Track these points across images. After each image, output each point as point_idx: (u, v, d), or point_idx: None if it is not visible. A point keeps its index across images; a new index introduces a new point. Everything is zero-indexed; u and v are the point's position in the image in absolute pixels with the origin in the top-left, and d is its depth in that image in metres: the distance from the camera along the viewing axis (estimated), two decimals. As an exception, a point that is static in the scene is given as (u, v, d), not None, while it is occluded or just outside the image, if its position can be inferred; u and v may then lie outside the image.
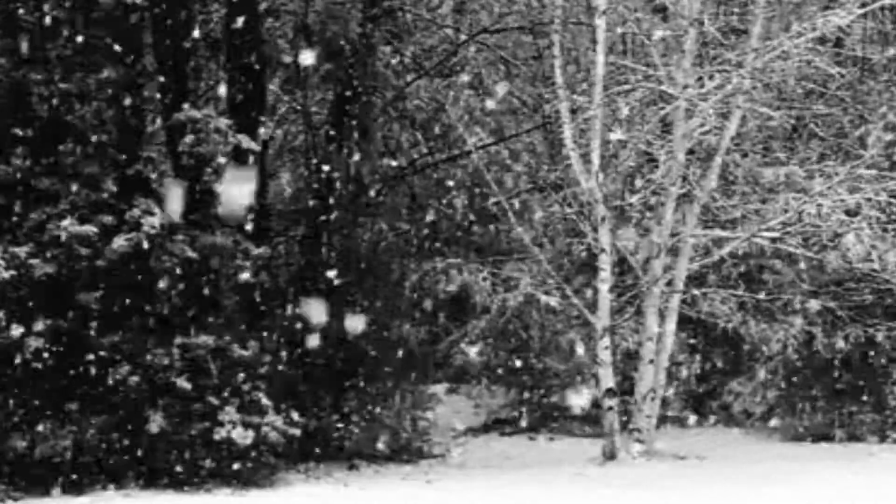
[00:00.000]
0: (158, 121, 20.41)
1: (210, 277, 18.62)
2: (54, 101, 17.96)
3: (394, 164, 23.97)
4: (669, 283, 21.29)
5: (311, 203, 22.32)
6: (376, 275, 22.50)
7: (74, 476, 17.23)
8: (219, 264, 18.54)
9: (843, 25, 20.97)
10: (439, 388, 24.98)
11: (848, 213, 21.03)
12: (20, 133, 17.80)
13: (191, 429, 17.65)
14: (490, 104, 23.80)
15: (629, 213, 22.23)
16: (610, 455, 20.69)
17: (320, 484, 18.62)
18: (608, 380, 20.83)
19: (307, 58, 22.35)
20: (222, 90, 21.38)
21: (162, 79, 19.58)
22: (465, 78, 24.00)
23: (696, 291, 22.73)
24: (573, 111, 20.95)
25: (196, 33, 20.22)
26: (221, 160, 18.49)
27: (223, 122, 18.52)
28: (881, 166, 21.67)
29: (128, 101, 18.53)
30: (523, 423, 25.56)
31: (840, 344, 23.77)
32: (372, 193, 22.99)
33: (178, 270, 17.97)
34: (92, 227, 17.41)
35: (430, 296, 24.10)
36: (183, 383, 17.54)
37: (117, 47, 18.36)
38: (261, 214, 21.06)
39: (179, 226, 18.06)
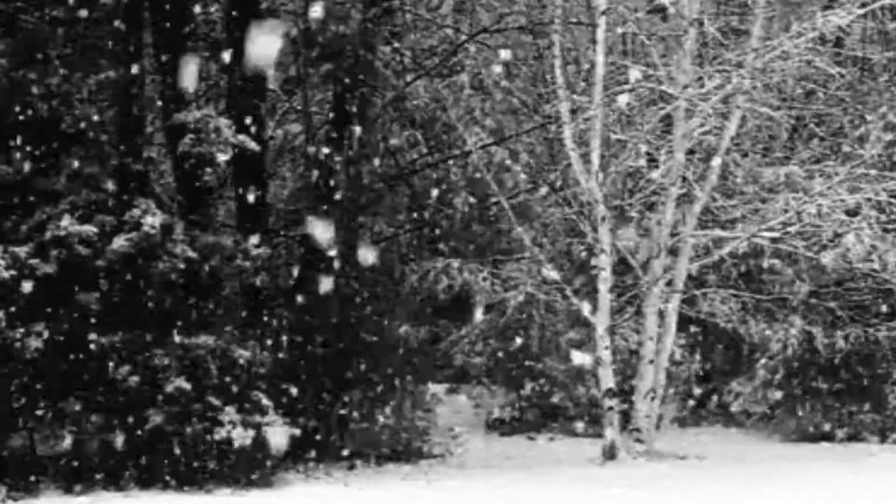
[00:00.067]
0: (158, 121, 20.41)
1: (210, 277, 18.60)
2: (54, 102, 17.94)
3: (394, 164, 23.97)
4: (669, 284, 21.29)
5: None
6: (376, 275, 22.47)
7: (74, 476, 17.22)
8: (219, 264, 18.51)
9: (843, 25, 20.98)
10: (439, 388, 24.93)
11: (848, 212, 21.05)
12: (20, 133, 17.79)
13: (190, 429, 17.64)
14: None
15: (629, 213, 22.26)
16: (610, 455, 20.69)
17: (320, 484, 18.59)
18: (608, 380, 20.83)
19: (307, 57, 22.35)
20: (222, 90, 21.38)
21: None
22: (464, 78, 23.96)
23: (696, 291, 22.76)
24: (573, 111, 20.94)
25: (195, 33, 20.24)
26: (221, 160, 18.49)
27: (223, 122, 18.52)
28: (882, 165, 21.69)
29: (128, 102, 18.54)
30: (523, 423, 25.56)
31: (840, 344, 23.78)
32: (372, 193, 22.99)
33: (178, 270, 17.96)
34: (92, 227, 17.40)
35: (431, 296, 24.07)
36: (183, 383, 17.52)
37: (117, 47, 18.36)
38: (261, 214, 21.07)
39: (179, 226, 18.06)
